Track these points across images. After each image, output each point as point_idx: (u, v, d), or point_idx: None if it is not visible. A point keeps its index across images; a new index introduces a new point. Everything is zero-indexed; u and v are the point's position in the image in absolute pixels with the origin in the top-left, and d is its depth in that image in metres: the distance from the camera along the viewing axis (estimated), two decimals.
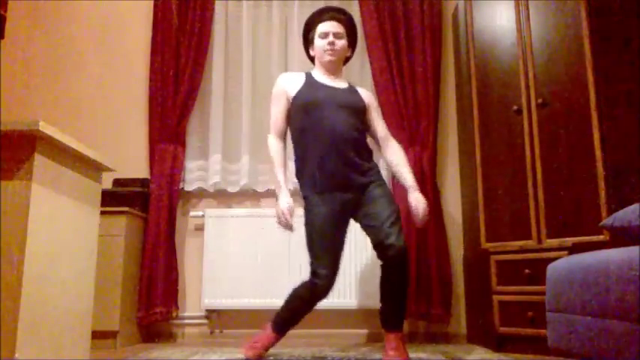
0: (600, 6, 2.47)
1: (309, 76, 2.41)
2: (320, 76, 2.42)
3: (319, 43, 2.40)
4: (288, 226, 2.20)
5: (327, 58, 2.38)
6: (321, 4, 3.38)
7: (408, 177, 2.34)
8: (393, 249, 2.08)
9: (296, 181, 2.44)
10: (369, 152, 2.36)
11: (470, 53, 2.90)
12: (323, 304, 2.96)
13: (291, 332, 3.03)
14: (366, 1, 3.28)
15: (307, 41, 2.52)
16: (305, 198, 2.26)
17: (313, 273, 2.16)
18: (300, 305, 2.22)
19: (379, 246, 2.12)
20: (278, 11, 3.40)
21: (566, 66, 2.51)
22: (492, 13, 2.84)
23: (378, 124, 2.45)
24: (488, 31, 2.84)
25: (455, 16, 3.26)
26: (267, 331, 2.31)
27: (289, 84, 2.37)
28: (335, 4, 3.38)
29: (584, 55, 2.46)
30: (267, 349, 2.29)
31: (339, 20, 2.42)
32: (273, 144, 2.33)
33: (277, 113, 2.37)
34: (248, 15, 3.40)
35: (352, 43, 2.51)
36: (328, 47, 2.37)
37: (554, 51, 2.56)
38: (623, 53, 2.43)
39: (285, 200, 2.21)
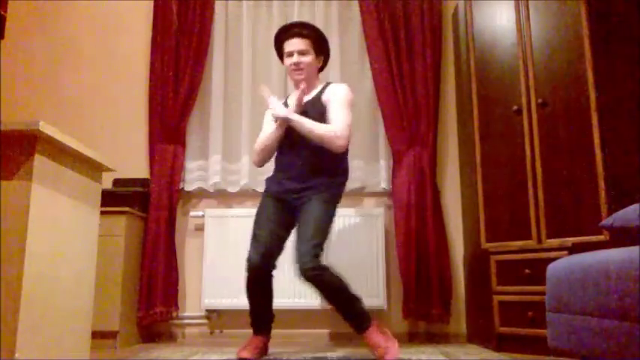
0: (600, 6, 2.47)
1: (285, 101, 2.56)
2: (292, 97, 2.51)
3: (286, 63, 2.51)
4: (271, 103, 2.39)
5: (295, 77, 2.48)
6: (320, 4, 3.38)
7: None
8: (299, 270, 2.19)
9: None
10: (329, 168, 2.39)
11: (470, 53, 2.90)
12: (324, 304, 2.97)
13: (294, 332, 3.05)
14: (366, 1, 3.28)
15: (281, 56, 2.60)
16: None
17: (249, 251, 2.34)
18: (246, 291, 2.35)
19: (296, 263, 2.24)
20: (278, 11, 3.40)
21: (566, 66, 2.51)
22: (492, 13, 2.84)
23: (330, 116, 2.40)
24: (488, 31, 2.84)
25: (455, 16, 3.26)
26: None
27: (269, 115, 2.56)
28: (334, 4, 3.38)
29: (584, 55, 2.46)
30: (257, 349, 2.34)
31: (301, 35, 2.46)
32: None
33: (264, 132, 2.54)
34: (248, 15, 3.40)
35: (323, 52, 2.55)
36: (294, 67, 2.46)
37: (554, 51, 2.56)
38: (623, 53, 2.43)
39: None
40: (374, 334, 2.23)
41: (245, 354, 2.29)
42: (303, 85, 2.38)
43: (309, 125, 2.33)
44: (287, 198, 2.38)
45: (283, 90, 3.33)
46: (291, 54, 2.47)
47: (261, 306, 2.38)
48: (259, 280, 2.33)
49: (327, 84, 2.54)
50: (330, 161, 2.40)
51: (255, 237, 2.35)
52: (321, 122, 2.37)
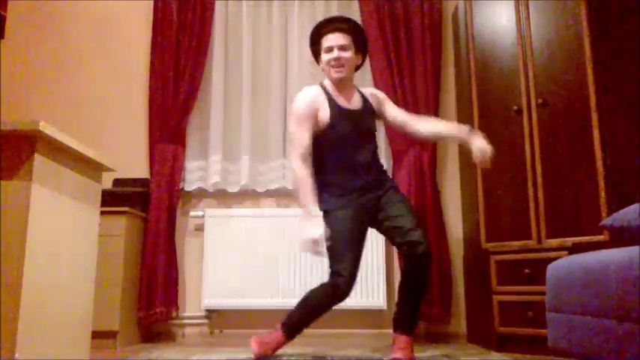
0: (600, 6, 2.47)
1: (329, 96, 2.32)
2: (336, 93, 2.33)
3: (325, 58, 2.31)
4: (319, 254, 2.14)
5: (335, 75, 2.30)
6: (321, 5, 3.38)
7: (454, 128, 2.32)
8: (422, 247, 2.09)
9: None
10: (381, 163, 2.37)
11: (470, 53, 2.90)
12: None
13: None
14: (366, 1, 3.28)
15: (315, 53, 2.44)
16: (325, 212, 2.24)
17: (335, 274, 2.14)
18: (318, 307, 2.19)
19: (407, 245, 2.11)
20: (278, 11, 3.40)
21: (566, 66, 2.51)
22: (492, 13, 2.84)
23: (396, 112, 2.41)
24: (488, 31, 2.84)
25: (455, 16, 3.26)
26: (277, 333, 2.26)
27: (318, 106, 2.29)
28: (335, 4, 3.38)
29: (584, 55, 2.46)
30: (274, 350, 2.26)
31: (342, 30, 2.30)
32: (301, 168, 2.21)
33: (305, 135, 2.25)
34: (248, 15, 3.40)
35: (362, 49, 2.41)
36: (334, 63, 2.28)
37: (554, 51, 2.56)
38: (623, 53, 2.43)
39: (315, 228, 2.11)
40: (409, 341, 2.18)
41: (260, 352, 2.24)
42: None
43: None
44: (369, 202, 2.25)
45: (283, 90, 3.33)
46: (330, 49, 2.29)
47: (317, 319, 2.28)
48: (342, 299, 2.17)
49: (358, 89, 2.43)
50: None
51: (345, 253, 2.16)
52: (374, 134, 2.35)
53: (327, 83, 2.37)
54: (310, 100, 2.29)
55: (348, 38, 2.31)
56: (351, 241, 2.17)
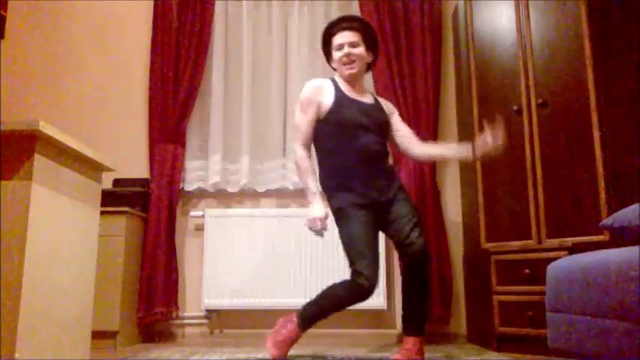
0: (600, 6, 2.47)
1: (336, 87, 2.34)
2: (345, 87, 2.36)
3: (336, 56, 2.35)
4: (321, 233, 2.23)
5: (347, 71, 2.33)
6: (321, 5, 3.38)
7: (452, 145, 2.32)
8: (414, 247, 2.14)
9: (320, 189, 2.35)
10: (392, 166, 2.37)
11: (470, 53, 2.90)
12: None
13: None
14: (366, 1, 3.28)
15: (327, 54, 2.47)
16: (338, 209, 2.22)
17: (357, 273, 2.09)
18: (338, 301, 2.16)
19: (401, 245, 2.17)
20: (278, 11, 3.40)
21: (566, 66, 2.51)
22: (492, 13, 2.84)
23: (401, 126, 2.44)
24: (488, 31, 2.84)
25: (455, 16, 3.26)
26: (291, 327, 2.21)
27: (322, 95, 2.32)
28: (335, 4, 3.38)
29: (584, 55, 2.46)
30: (290, 346, 2.24)
31: (352, 29, 2.34)
32: (302, 154, 2.29)
33: (306, 122, 2.31)
34: (248, 15, 3.40)
35: (372, 47, 2.43)
36: (345, 59, 2.32)
37: (554, 51, 2.56)
38: (623, 53, 2.43)
39: (320, 207, 2.22)
40: (417, 342, 2.18)
41: (279, 355, 2.22)
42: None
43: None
44: (380, 204, 2.24)
45: (283, 90, 3.33)
46: (341, 46, 2.33)
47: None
48: (364, 299, 2.14)
49: (372, 93, 2.48)
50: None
51: (364, 253, 2.12)
52: (385, 132, 2.35)
53: (339, 79, 2.39)
54: (315, 87, 2.32)
55: (357, 35, 2.35)
56: (366, 238, 2.15)
